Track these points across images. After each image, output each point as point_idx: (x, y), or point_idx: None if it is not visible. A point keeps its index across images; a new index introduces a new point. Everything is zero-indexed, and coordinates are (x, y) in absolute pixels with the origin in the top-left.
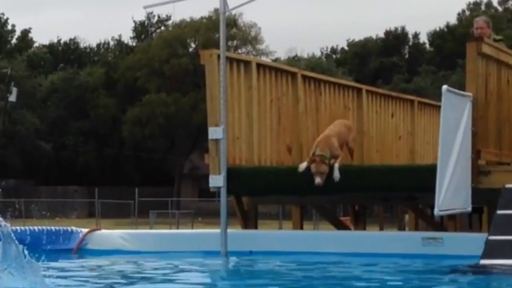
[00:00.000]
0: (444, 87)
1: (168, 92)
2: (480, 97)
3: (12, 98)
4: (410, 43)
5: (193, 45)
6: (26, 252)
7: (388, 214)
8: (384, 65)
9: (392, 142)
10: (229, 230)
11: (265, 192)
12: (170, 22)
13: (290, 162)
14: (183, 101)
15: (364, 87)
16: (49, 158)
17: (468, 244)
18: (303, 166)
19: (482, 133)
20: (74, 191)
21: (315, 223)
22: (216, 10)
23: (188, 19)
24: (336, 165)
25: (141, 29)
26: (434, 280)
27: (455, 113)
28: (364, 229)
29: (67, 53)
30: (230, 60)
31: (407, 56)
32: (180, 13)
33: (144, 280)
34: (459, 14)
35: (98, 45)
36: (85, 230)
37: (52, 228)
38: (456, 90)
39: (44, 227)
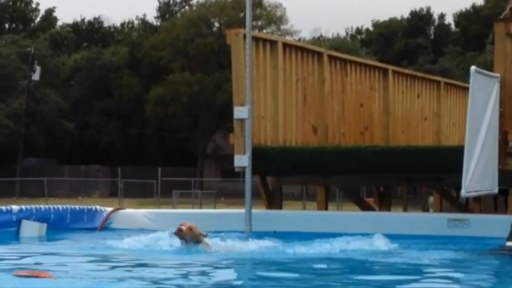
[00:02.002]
0: (473, 67)
1: (192, 72)
2: (508, 78)
3: (36, 77)
4: (436, 24)
5: (217, 25)
6: None
7: (412, 196)
8: (409, 46)
9: (417, 123)
10: (253, 210)
11: (290, 172)
12: (194, 2)
13: (315, 142)
14: (207, 81)
15: (390, 68)
16: (72, 137)
17: (493, 226)
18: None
19: (509, 114)
20: (96, 170)
21: (339, 204)
22: None
23: None
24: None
25: (166, 9)
26: (467, 260)
27: (483, 94)
28: (389, 210)
29: (91, 32)
30: (256, 39)
31: (432, 37)
32: None
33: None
34: None
35: (122, 24)
36: (109, 209)
37: (76, 207)
38: (484, 71)
39: (68, 206)
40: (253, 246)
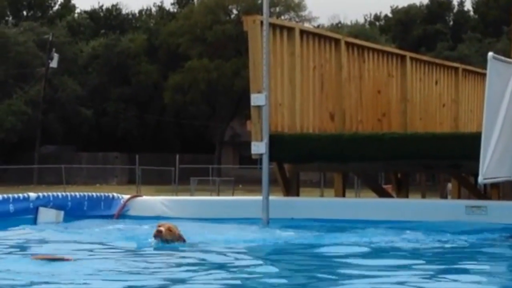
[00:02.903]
0: (490, 54)
1: (210, 58)
2: None
3: (53, 64)
4: (455, 10)
5: (235, 11)
6: None
7: (430, 183)
8: (428, 32)
9: (435, 110)
10: (270, 197)
11: (307, 159)
12: None
13: (333, 129)
14: (225, 67)
15: (408, 54)
16: (90, 124)
17: None
18: None
19: None
20: (114, 157)
21: (356, 190)
22: None
23: None
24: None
25: None
26: (487, 246)
27: (501, 81)
28: (407, 197)
29: (108, 19)
30: (273, 26)
31: (451, 23)
32: None
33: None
34: None
35: (140, 12)
36: (126, 197)
37: (94, 194)
38: (502, 57)
39: (86, 193)
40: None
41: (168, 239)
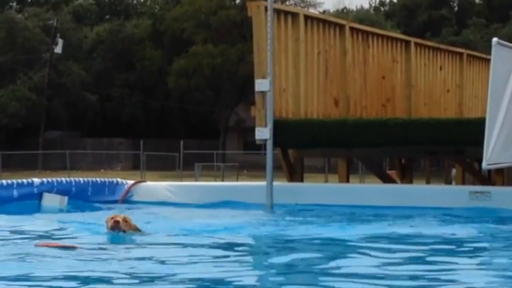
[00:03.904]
0: (494, 39)
1: (214, 44)
2: None
3: (58, 50)
4: None
5: None
6: None
7: (435, 168)
8: (433, 17)
9: (440, 95)
10: (275, 183)
11: (311, 145)
12: None
13: (337, 114)
14: (230, 53)
15: (413, 40)
16: (94, 110)
17: None
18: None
19: None
20: (119, 143)
21: (361, 176)
22: None
23: None
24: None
25: None
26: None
27: (505, 66)
28: (411, 182)
29: (113, 5)
30: (277, 12)
31: (456, 8)
32: None
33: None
34: None
35: None
36: (130, 182)
37: (98, 179)
38: (507, 43)
39: (90, 179)
40: None
41: (126, 229)
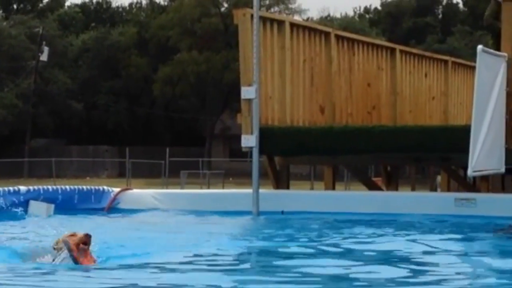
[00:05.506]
0: (479, 47)
1: (199, 51)
2: None
3: (44, 57)
4: (444, 3)
5: (225, 5)
6: None
7: (420, 175)
8: (418, 25)
9: (425, 103)
10: (261, 190)
11: (297, 152)
12: None
13: (323, 122)
14: (215, 60)
15: (398, 47)
16: (80, 117)
17: (501, 205)
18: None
19: None
20: (104, 150)
21: (346, 183)
22: None
23: None
24: None
25: None
26: (475, 239)
27: (490, 74)
28: (396, 189)
29: (99, 13)
30: (263, 19)
31: (440, 16)
32: None
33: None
34: None
35: (130, 5)
36: (116, 190)
37: (84, 187)
38: (491, 50)
39: (76, 187)
40: None
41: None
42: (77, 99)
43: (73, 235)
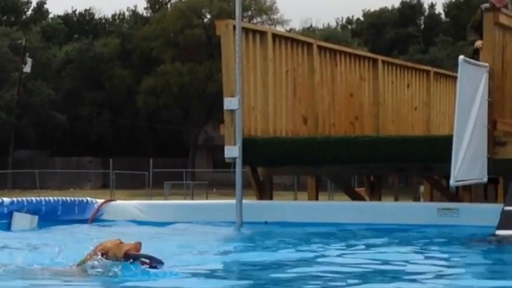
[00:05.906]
0: (461, 57)
1: (182, 62)
2: (497, 67)
3: (27, 69)
4: (426, 14)
5: (208, 16)
6: None
7: (403, 185)
8: (400, 35)
9: (407, 113)
10: (244, 201)
11: (280, 162)
12: None
13: (306, 132)
14: (198, 71)
15: (380, 58)
16: (63, 129)
17: (483, 214)
18: None
19: (498, 104)
20: (88, 162)
21: (330, 194)
22: None
23: None
24: None
25: (156, 0)
26: (457, 249)
27: (472, 84)
28: (380, 199)
29: (82, 24)
30: (245, 30)
31: (422, 26)
32: None
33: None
34: None
35: (113, 16)
36: (100, 201)
37: (68, 199)
38: (473, 60)
39: (60, 198)
40: None
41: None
42: (61, 110)
43: (120, 243)
